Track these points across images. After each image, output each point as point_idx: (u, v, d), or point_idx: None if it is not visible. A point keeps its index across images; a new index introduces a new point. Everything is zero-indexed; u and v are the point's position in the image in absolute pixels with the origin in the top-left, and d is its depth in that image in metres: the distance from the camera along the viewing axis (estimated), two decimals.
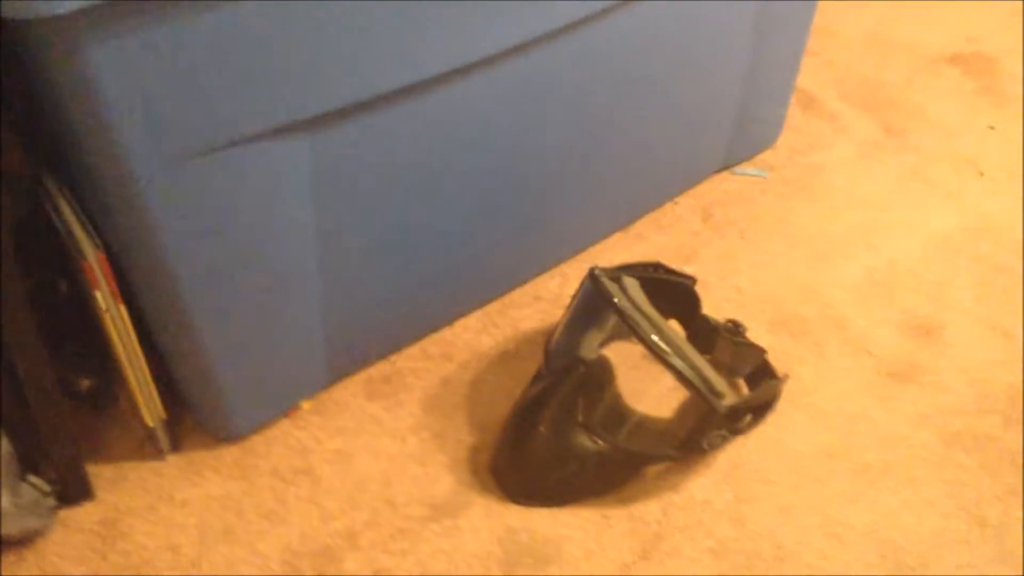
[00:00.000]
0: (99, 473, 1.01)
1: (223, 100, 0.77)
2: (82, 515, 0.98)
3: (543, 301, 1.20)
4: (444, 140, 0.96)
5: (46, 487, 0.95)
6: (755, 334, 1.12)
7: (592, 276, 1.00)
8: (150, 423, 1.00)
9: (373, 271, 1.01)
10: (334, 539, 0.97)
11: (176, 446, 1.04)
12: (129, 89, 0.72)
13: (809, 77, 1.54)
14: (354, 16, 0.80)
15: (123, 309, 0.90)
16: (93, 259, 0.86)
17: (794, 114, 1.47)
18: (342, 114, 0.85)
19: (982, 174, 1.39)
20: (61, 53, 0.70)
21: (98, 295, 0.88)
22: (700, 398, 0.94)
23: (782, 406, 1.06)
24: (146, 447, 1.04)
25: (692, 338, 1.07)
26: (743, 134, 1.34)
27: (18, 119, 0.87)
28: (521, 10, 0.91)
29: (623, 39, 1.04)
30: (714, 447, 0.99)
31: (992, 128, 1.47)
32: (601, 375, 1.02)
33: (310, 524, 0.98)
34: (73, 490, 0.98)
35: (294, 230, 0.91)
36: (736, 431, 0.99)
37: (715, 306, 1.15)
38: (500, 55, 0.93)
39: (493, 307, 1.19)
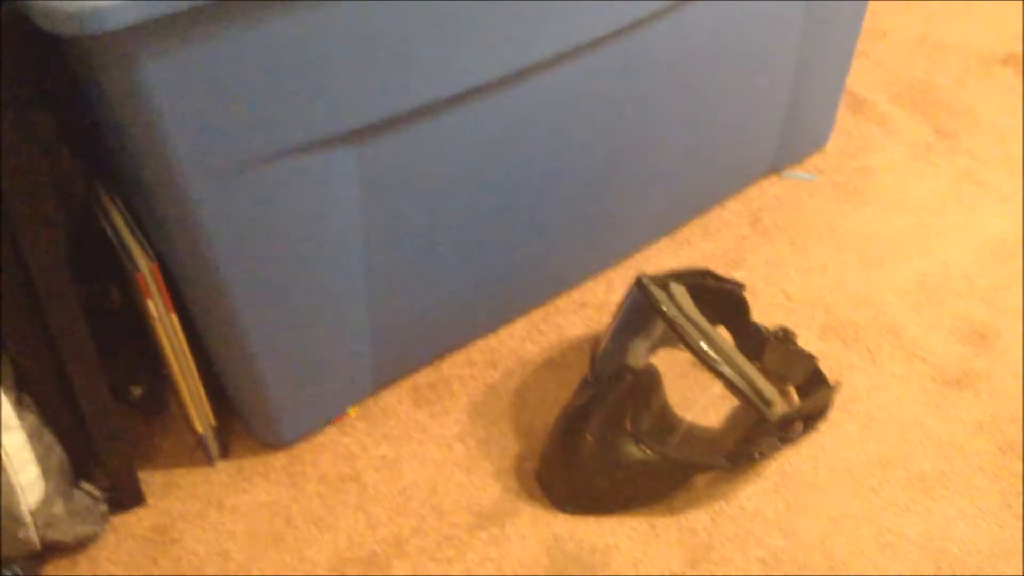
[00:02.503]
0: (150, 479, 1.02)
1: (272, 112, 0.78)
2: (134, 521, 0.99)
3: (589, 308, 1.19)
4: (490, 149, 0.96)
5: (99, 493, 0.96)
6: (805, 341, 1.10)
7: (639, 283, 0.99)
8: (200, 430, 1.01)
9: (420, 279, 1.02)
10: (381, 546, 0.97)
11: (225, 453, 1.05)
12: (181, 101, 0.73)
13: (859, 79, 1.52)
14: (399, 29, 0.80)
15: (174, 318, 0.91)
16: (146, 270, 0.87)
17: (844, 116, 1.45)
18: (389, 125, 0.86)
19: None
20: (115, 66, 0.71)
21: (150, 304, 0.89)
22: (750, 406, 0.93)
23: (834, 414, 1.05)
24: (196, 454, 1.05)
25: (741, 345, 1.06)
26: (792, 137, 1.33)
27: (73, 131, 0.89)
28: (566, 18, 0.91)
29: (669, 44, 1.03)
30: (764, 456, 0.97)
31: None
32: (649, 383, 1.01)
33: (357, 531, 0.99)
34: (125, 496, 0.99)
35: (342, 240, 0.92)
36: (787, 440, 0.98)
37: (764, 312, 1.13)
38: (545, 63, 0.93)
39: (538, 314, 1.19)
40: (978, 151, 1.40)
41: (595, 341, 1.05)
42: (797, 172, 1.37)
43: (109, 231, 0.91)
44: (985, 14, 1.68)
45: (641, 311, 0.99)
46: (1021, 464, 1.02)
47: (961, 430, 1.05)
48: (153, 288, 0.88)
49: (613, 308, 1.07)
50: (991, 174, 1.36)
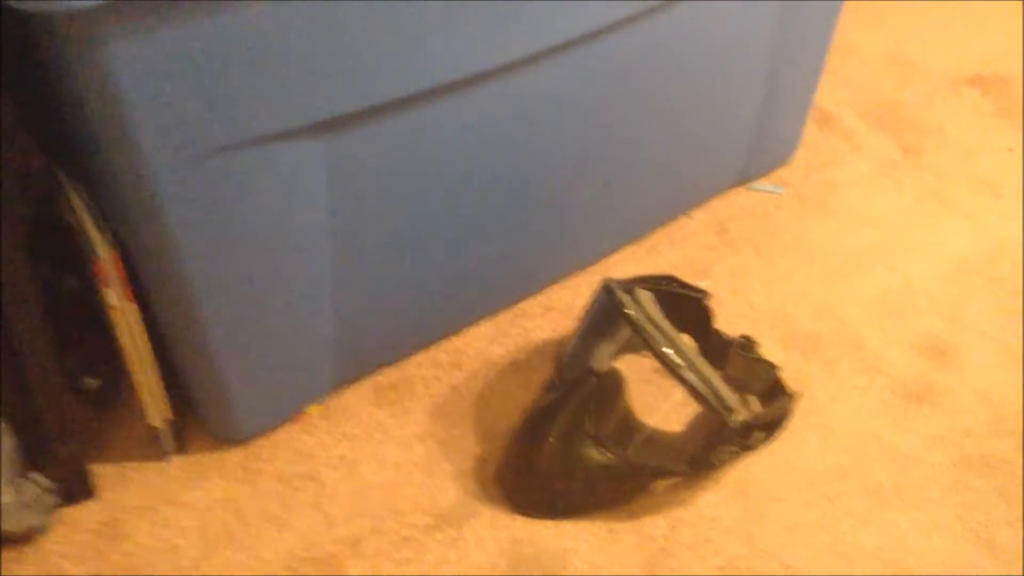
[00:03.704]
0: (102, 472, 1.01)
1: (240, 100, 0.77)
2: (84, 514, 0.98)
3: (555, 312, 1.19)
4: (459, 148, 0.96)
5: (49, 484, 0.94)
6: (768, 351, 1.10)
7: (606, 287, 0.99)
8: (155, 423, 0.99)
9: (385, 277, 1.01)
10: (337, 546, 0.96)
11: (181, 448, 1.03)
12: (147, 86, 0.72)
13: (827, 95, 1.53)
14: (369, 21, 0.79)
15: (133, 308, 0.90)
16: (106, 257, 0.85)
17: (811, 131, 1.46)
18: (358, 118, 0.85)
19: (1000, 196, 1.38)
20: (81, 48, 0.70)
21: (109, 293, 0.88)
22: (712, 413, 0.93)
23: (793, 424, 1.05)
24: (150, 447, 1.03)
25: (704, 353, 1.06)
26: (760, 150, 1.34)
27: (35, 115, 0.87)
28: (537, 20, 0.90)
29: (640, 52, 1.04)
30: (724, 463, 0.97)
31: (1011, 150, 1.45)
32: (612, 387, 1.01)
33: (313, 530, 0.97)
34: (76, 488, 0.97)
35: (307, 233, 0.91)
36: (747, 448, 0.98)
37: (728, 321, 1.13)
38: (516, 64, 0.92)
39: (504, 316, 1.18)
40: (943, 170, 1.42)
41: (560, 344, 1.05)
42: (764, 184, 1.38)
43: (69, 217, 0.89)
44: (954, 36, 1.70)
45: (607, 315, 0.99)
46: (976, 479, 1.03)
47: (918, 443, 1.06)
48: (112, 276, 0.87)
49: (579, 313, 1.07)
50: (955, 193, 1.38)
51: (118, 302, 0.88)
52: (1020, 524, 0.99)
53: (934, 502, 1.01)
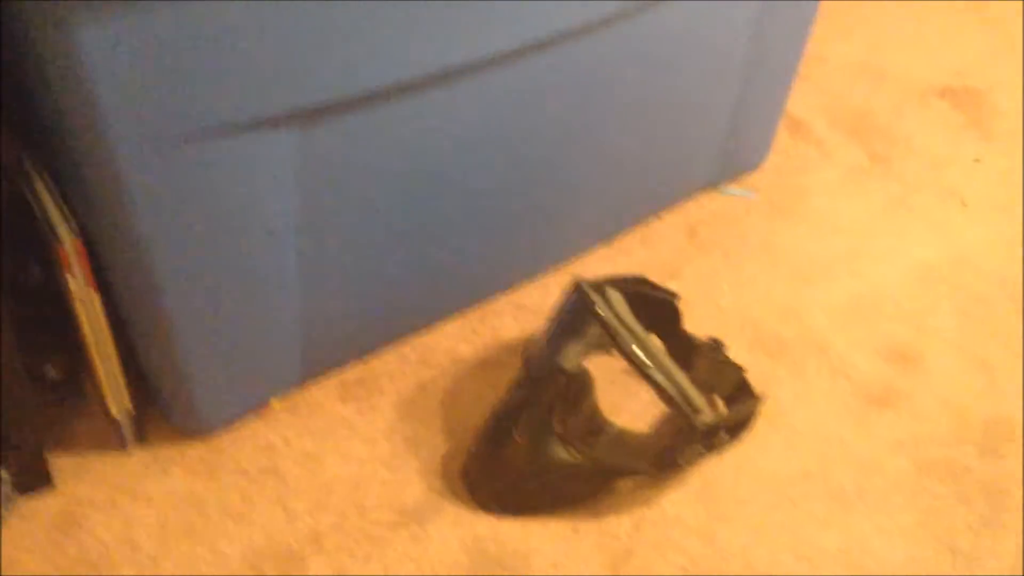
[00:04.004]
0: (60, 463, 0.99)
1: (212, 88, 0.76)
2: (41, 505, 0.96)
3: (525, 310, 1.19)
4: (431, 144, 0.95)
5: (5, 475, 0.93)
6: (735, 353, 1.11)
7: (576, 286, 0.99)
8: (115, 414, 0.98)
9: (354, 271, 1.00)
10: (299, 541, 0.95)
11: (141, 440, 1.02)
12: (117, 70, 0.71)
13: (799, 102, 1.54)
14: (347, 10, 0.79)
15: (96, 296, 0.88)
16: (69, 244, 0.84)
17: (782, 137, 1.47)
18: (331, 110, 0.84)
19: (966, 206, 1.39)
20: (49, 31, 0.68)
21: (71, 281, 0.86)
22: (678, 413, 0.93)
23: (759, 426, 1.06)
24: (110, 439, 1.01)
25: (672, 354, 1.06)
26: (731, 154, 1.34)
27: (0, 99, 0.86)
28: (514, 17, 0.90)
29: (615, 54, 1.04)
30: (689, 464, 0.98)
31: (978, 161, 1.47)
32: (580, 386, 1.00)
33: (275, 525, 0.96)
34: (33, 479, 0.96)
35: (275, 225, 0.90)
36: (712, 448, 0.98)
37: (696, 323, 1.14)
38: (490, 61, 0.92)
39: (474, 314, 1.18)
40: (910, 178, 1.43)
41: (529, 342, 1.04)
42: (735, 189, 1.39)
43: (32, 202, 0.87)
44: (925, 47, 1.72)
45: (577, 314, 0.99)
46: (938, 484, 1.04)
47: (881, 448, 1.07)
48: (75, 263, 0.85)
49: (549, 312, 1.07)
50: (922, 201, 1.40)
51: (81, 290, 0.87)
52: (980, 530, 1.00)
53: (896, 506, 1.02)
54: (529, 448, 0.95)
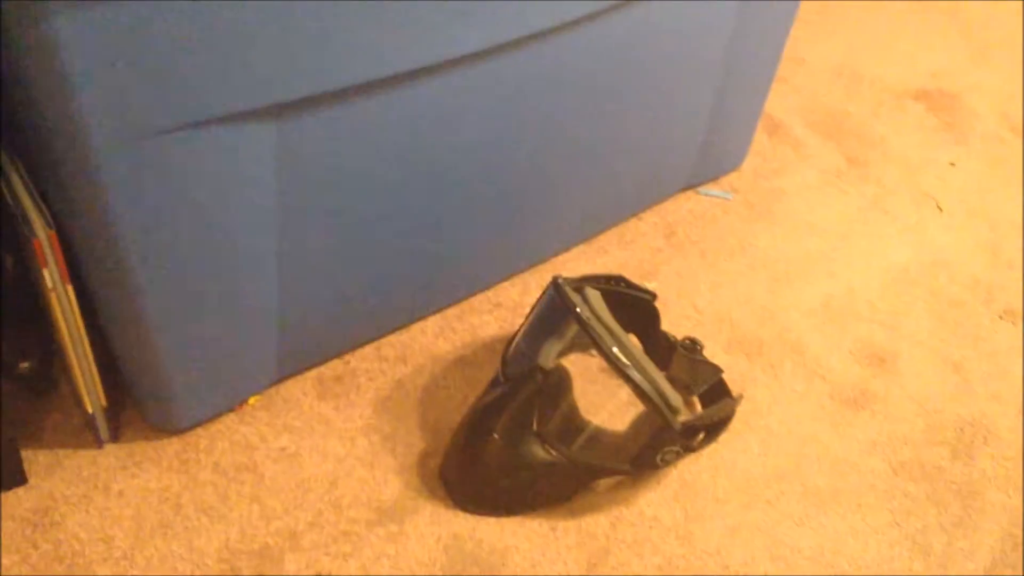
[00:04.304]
0: (34, 459, 0.98)
1: (190, 79, 0.75)
2: (14, 501, 0.95)
3: (503, 308, 1.19)
4: (412, 139, 0.95)
5: None
6: (711, 353, 1.11)
7: (555, 285, 0.99)
8: (90, 410, 0.97)
9: (332, 267, 1.00)
10: (275, 539, 0.95)
11: (116, 435, 1.01)
12: (94, 59, 0.70)
13: (776, 103, 1.55)
14: (325, 7, 0.78)
15: (70, 290, 0.87)
16: (43, 237, 0.83)
17: (760, 139, 1.48)
18: (311, 103, 0.84)
19: (941, 209, 1.41)
20: (26, 22, 0.67)
21: (46, 274, 0.85)
22: (656, 413, 0.93)
23: (735, 426, 1.06)
24: (84, 435, 1.01)
25: (650, 353, 1.07)
26: (709, 156, 1.35)
27: None
28: (492, 15, 0.90)
29: (594, 55, 1.04)
30: (667, 463, 0.98)
31: (953, 165, 1.49)
32: (558, 385, 1.01)
33: (250, 522, 0.96)
34: (7, 475, 0.94)
35: (254, 218, 0.89)
36: (689, 448, 0.98)
37: (674, 323, 1.14)
38: (472, 57, 0.92)
39: (452, 312, 1.18)
40: (886, 181, 1.45)
41: (507, 341, 1.04)
42: (713, 190, 1.40)
43: (6, 194, 0.86)
44: (901, 50, 1.74)
45: (555, 312, 0.99)
46: (912, 485, 1.05)
47: (856, 448, 1.08)
48: (50, 256, 0.84)
49: (527, 310, 1.07)
50: (897, 204, 1.41)
51: (55, 284, 0.86)
52: (953, 531, 1.01)
53: (870, 506, 1.03)
54: (507, 447, 0.94)
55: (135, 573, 0.91)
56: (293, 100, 0.82)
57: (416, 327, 1.16)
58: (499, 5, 0.89)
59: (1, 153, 0.88)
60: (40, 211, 0.84)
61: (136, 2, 0.68)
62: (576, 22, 0.98)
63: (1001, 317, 1.25)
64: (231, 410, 1.05)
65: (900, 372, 1.17)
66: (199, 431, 1.03)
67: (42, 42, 0.68)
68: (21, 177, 0.87)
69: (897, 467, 1.07)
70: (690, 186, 1.38)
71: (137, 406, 1.03)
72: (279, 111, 0.82)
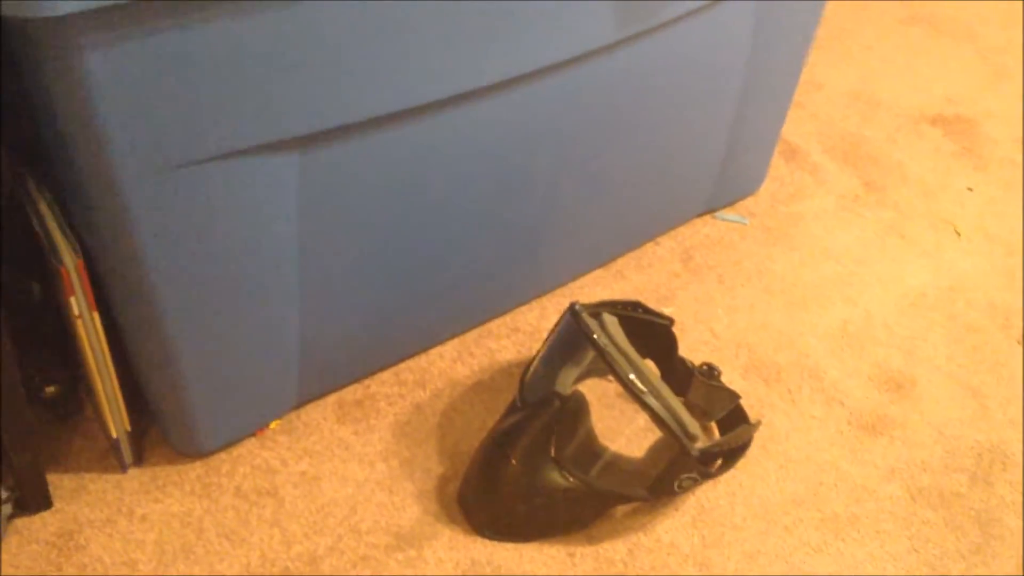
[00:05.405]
0: (59, 483, 0.99)
1: (216, 113, 0.77)
2: (39, 525, 0.96)
3: (521, 333, 1.19)
4: (431, 168, 0.96)
5: (4, 494, 0.93)
6: (729, 379, 1.12)
7: (573, 311, 1.00)
8: (114, 434, 0.98)
9: (353, 293, 1.01)
10: (295, 563, 0.96)
11: (139, 460, 1.02)
12: (122, 95, 0.72)
13: (793, 129, 1.56)
14: (350, 39, 0.80)
15: (96, 317, 0.89)
16: (71, 265, 0.85)
17: (777, 164, 1.49)
18: (333, 135, 0.85)
19: (959, 234, 1.41)
20: (57, 54, 0.69)
21: (73, 302, 0.87)
22: (673, 439, 0.94)
23: (753, 452, 1.07)
24: (108, 459, 1.02)
25: (667, 379, 1.07)
26: (727, 181, 1.36)
27: (3, 118, 0.86)
28: (515, 46, 0.91)
29: (614, 82, 1.05)
30: (684, 490, 0.98)
31: (970, 190, 1.49)
32: (576, 411, 1.01)
33: (271, 547, 0.97)
34: (32, 499, 0.96)
35: (277, 247, 0.91)
36: (707, 475, 0.99)
37: (691, 348, 1.15)
38: (492, 88, 0.93)
39: (470, 336, 1.19)
40: (904, 206, 1.45)
41: (525, 366, 1.05)
42: (730, 214, 1.40)
43: (35, 223, 0.88)
44: (917, 75, 1.74)
45: (573, 338, 0.99)
46: (930, 511, 1.05)
47: (875, 475, 1.08)
48: (77, 285, 0.86)
49: (545, 335, 1.08)
50: (915, 229, 1.41)
51: (82, 311, 0.88)
52: (971, 558, 1.01)
53: (888, 533, 1.02)
54: (525, 472, 0.95)
55: None
56: (316, 132, 0.84)
57: (434, 351, 1.17)
58: (520, 38, 0.91)
59: (30, 181, 0.90)
60: (68, 240, 0.86)
61: (162, 35, 0.70)
62: (595, 52, 0.99)
63: (1019, 342, 1.25)
64: (252, 434, 1.06)
65: (918, 398, 1.17)
66: (221, 455, 1.04)
67: (71, 75, 0.70)
68: (49, 206, 0.88)
69: (915, 493, 1.06)
70: (707, 211, 1.39)
71: (161, 430, 1.04)
72: (303, 142, 0.84)
